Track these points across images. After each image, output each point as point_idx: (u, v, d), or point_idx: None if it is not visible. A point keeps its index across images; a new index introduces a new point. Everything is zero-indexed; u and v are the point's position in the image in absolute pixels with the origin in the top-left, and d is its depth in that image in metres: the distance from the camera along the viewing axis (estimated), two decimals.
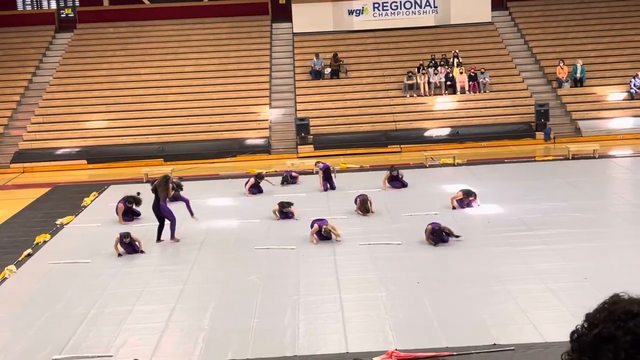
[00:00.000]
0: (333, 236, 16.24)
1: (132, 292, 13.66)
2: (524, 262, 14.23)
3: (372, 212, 18.45)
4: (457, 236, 15.73)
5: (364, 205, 18.39)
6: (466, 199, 18.76)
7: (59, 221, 19.38)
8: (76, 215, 20.12)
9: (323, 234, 16.12)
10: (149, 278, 14.47)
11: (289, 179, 22.67)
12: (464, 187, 19.30)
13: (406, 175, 21.84)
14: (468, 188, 19.20)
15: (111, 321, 12.26)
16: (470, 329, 11.27)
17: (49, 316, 12.65)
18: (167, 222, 16.93)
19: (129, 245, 16.00)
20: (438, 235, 15.62)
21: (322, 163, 22.18)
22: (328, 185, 21.43)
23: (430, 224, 15.97)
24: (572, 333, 2.29)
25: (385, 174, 21.53)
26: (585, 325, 2.26)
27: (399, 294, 12.88)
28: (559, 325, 10.73)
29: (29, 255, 16.47)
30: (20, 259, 16.14)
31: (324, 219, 16.55)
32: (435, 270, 14.13)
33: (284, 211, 18.46)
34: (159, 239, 16.87)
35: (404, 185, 21.38)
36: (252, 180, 21.60)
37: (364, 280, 13.72)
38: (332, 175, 21.72)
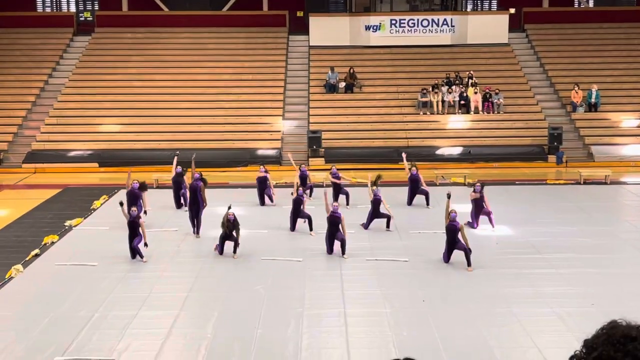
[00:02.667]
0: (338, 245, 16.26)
1: (137, 297, 13.66)
2: (531, 285, 14.16)
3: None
4: (469, 250, 15.41)
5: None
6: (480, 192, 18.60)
7: (67, 223, 19.43)
8: (85, 218, 20.19)
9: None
10: (154, 284, 14.48)
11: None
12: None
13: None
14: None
15: (115, 325, 12.26)
16: (474, 350, 11.21)
17: (53, 317, 12.67)
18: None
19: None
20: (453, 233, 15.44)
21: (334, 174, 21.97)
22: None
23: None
24: (571, 358, 2.30)
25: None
26: (584, 351, 2.28)
27: (404, 312, 12.84)
28: (564, 350, 10.57)
29: (36, 255, 16.51)
30: (27, 259, 16.19)
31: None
32: (441, 289, 14.07)
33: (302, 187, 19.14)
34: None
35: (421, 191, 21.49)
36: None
37: (369, 296, 13.68)
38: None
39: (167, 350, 11.35)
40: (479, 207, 18.74)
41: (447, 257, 15.67)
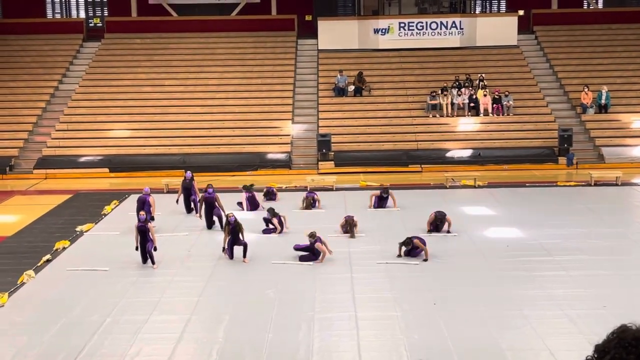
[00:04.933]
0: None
1: (149, 301, 13.70)
2: (542, 287, 14.12)
3: (355, 234, 18.19)
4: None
5: (347, 226, 18.31)
6: (438, 221, 18.54)
7: (78, 228, 19.51)
8: (96, 223, 20.25)
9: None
10: (165, 288, 14.51)
11: (270, 194, 22.88)
12: (438, 210, 18.86)
13: (426, 195, 21.76)
14: (441, 211, 18.78)
15: (126, 330, 12.30)
16: (486, 353, 11.19)
17: (65, 322, 12.72)
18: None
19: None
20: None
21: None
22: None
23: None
24: None
25: (374, 192, 21.74)
26: (595, 356, 2.30)
27: (415, 314, 12.82)
28: (576, 352, 10.61)
29: (48, 261, 16.58)
30: (39, 264, 16.26)
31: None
32: (451, 292, 14.05)
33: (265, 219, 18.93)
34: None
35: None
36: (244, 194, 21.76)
37: (380, 299, 13.68)
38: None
39: (178, 354, 11.38)
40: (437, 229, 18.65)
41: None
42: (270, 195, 22.85)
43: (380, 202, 21.40)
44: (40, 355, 11.39)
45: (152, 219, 19.30)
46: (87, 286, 14.76)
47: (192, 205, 21.07)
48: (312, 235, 16.15)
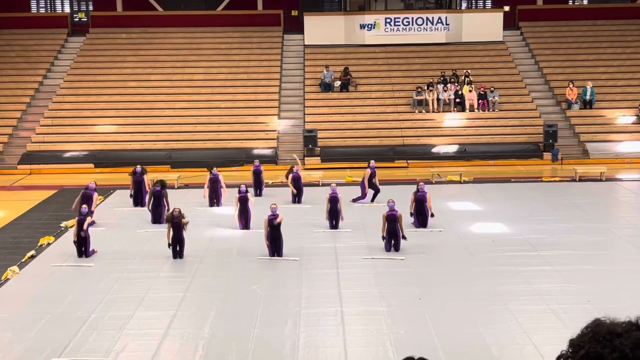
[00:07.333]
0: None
1: (134, 297, 13.66)
2: (527, 282, 14.19)
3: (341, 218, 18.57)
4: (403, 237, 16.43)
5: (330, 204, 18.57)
6: (419, 201, 18.54)
7: (63, 224, 19.41)
8: None
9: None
10: (151, 284, 14.47)
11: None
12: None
13: (412, 191, 21.72)
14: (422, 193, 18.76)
15: (112, 326, 12.25)
16: (471, 347, 11.23)
17: (50, 318, 12.66)
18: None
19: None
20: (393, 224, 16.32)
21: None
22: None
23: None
24: (558, 358, 2.33)
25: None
26: (570, 350, 2.31)
27: (401, 309, 12.85)
28: (560, 346, 10.58)
29: (32, 256, 16.49)
30: (23, 260, 16.17)
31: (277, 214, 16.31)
32: (437, 287, 14.09)
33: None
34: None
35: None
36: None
37: (366, 295, 13.69)
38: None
39: (164, 350, 11.35)
40: (419, 206, 18.57)
41: (388, 246, 16.34)
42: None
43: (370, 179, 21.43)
44: (25, 352, 11.33)
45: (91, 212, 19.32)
46: (72, 282, 14.69)
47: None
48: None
